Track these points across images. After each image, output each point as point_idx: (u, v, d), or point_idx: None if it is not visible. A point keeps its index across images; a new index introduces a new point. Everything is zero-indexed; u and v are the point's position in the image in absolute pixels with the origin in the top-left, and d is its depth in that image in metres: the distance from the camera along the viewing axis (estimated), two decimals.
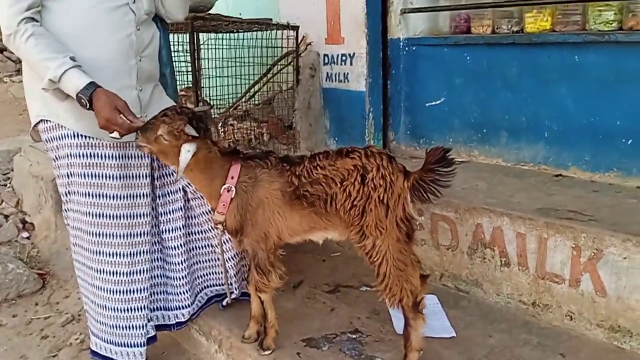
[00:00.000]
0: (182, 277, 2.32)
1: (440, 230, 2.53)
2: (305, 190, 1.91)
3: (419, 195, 1.89)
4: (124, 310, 2.15)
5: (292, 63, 3.37)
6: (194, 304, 2.38)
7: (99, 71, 1.92)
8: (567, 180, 2.72)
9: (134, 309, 2.16)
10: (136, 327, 2.18)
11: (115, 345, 2.18)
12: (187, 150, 1.81)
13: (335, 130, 3.51)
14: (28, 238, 3.73)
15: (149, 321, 2.23)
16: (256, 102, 3.72)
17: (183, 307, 2.35)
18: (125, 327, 2.17)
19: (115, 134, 1.83)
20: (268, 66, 3.46)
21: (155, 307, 2.32)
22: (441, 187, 1.87)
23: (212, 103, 3.16)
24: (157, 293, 2.32)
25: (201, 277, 2.44)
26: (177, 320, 2.36)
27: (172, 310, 2.36)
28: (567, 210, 2.25)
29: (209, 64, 3.17)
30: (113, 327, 2.16)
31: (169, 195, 2.26)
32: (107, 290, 2.13)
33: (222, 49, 3.19)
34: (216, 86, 3.20)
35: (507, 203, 2.39)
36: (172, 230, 2.28)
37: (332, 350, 2.11)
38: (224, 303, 2.44)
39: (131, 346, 2.18)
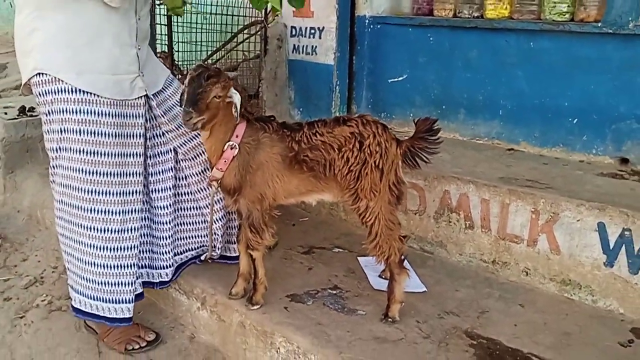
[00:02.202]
0: (167, 237, 2.36)
1: (409, 197, 2.74)
2: (305, 155, 2.02)
3: (409, 162, 2.07)
4: (114, 267, 2.17)
5: (259, 33, 3.42)
6: (173, 265, 2.43)
7: (102, 28, 1.93)
8: (519, 154, 3.03)
9: (124, 266, 2.18)
10: (125, 283, 2.20)
11: (103, 301, 2.19)
12: (235, 92, 1.88)
13: (300, 101, 3.62)
14: None
15: (137, 278, 2.26)
16: None
17: (166, 267, 2.39)
18: (115, 283, 2.19)
19: None
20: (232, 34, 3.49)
21: (141, 264, 2.34)
22: (429, 154, 2.07)
23: (182, 68, 3.16)
24: (144, 251, 2.35)
25: (184, 239, 2.48)
26: (160, 280, 2.41)
27: (156, 269, 2.39)
28: (525, 179, 2.54)
29: (177, 28, 3.16)
30: (101, 283, 2.17)
31: (159, 156, 2.29)
32: (97, 247, 2.13)
33: (192, 14, 3.19)
34: (184, 51, 3.20)
35: (472, 172, 2.64)
36: (162, 190, 2.31)
37: (316, 304, 2.25)
38: (202, 257, 2.50)
39: (119, 302, 2.20)
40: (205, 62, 3.53)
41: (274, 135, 2.05)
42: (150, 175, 2.28)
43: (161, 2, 2.25)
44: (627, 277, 2.17)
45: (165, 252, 2.38)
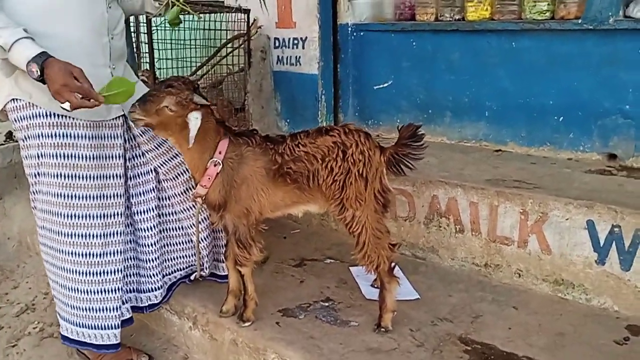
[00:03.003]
0: (154, 260, 2.33)
1: (398, 203, 2.72)
2: (288, 167, 2.00)
3: (393, 169, 2.05)
4: (98, 292, 2.13)
5: (242, 46, 3.41)
6: (163, 287, 2.40)
7: (73, 49, 1.90)
8: (507, 154, 3.02)
9: (108, 291, 2.15)
10: (110, 309, 2.16)
11: (89, 328, 2.16)
12: (196, 117, 1.85)
13: (287, 113, 3.61)
14: None
15: (123, 303, 2.22)
16: (203, 85, 3.72)
17: (155, 289, 2.36)
18: (99, 309, 2.15)
19: (67, 105, 1.75)
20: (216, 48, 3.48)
21: (128, 289, 2.31)
22: (414, 160, 2.05)
23: None
24: (130, 275, 2.31)
25: (171, 259, 2.45)
26: (149, 303, 2.37)
27: (144, 292, 2.36)
28: (513, 180, 2.53)
29: (161, 45, 3.15)
30: (86, 309, 2.14)
31: (140, 177, 2.26)
32: (79, 273, 2.10)
33: (174, 30, 3.17)
34: (168, 68, 3.19)
35: (460, 176, 2.62)
36: (145, 211, 2.28)
37: (308, 318, 2.23)
38: (192, 277, 2.47)
39: (105, 328, 2.17)
40: (193, 77, 3.52)
41: (257, 149, 2.04)
42: (132, 197, 2.25)
43: (159, 15, 2.24)
44: (620, 274, 2.16)
45: (153, 275, 2.35)
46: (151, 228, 2.30)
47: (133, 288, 2.34)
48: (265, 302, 2.31)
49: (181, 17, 2.11)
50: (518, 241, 2.38)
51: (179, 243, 2.45)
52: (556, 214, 2.26)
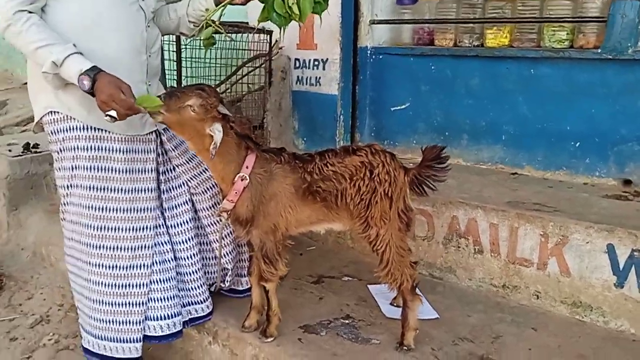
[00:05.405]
0: (195, 272, 2.32)
1: (417, 223, 2.75)
2: (317, 186, 2.04)
3: (416, 189, 2.09)
4: (122, 304, 2.14)
5: (264, 65, 3.48)
6: (209, 299, 2.38)
7: (113, 66, 1.93)
8: (523, 177, 3.06)
9: (132, 304, 2.15)
10: (133, 322, 2.16)
11: (111, 341, 2.16)
12: (219, 130, 1.88)
13: (304, 131, 3.67)
14: None
15: (146, 319, 2.20)
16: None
17: (200, 302, 2.35)
18: (123, 322, 2.15)
19: (113, 113, 1.78)
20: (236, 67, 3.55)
21: (183, 303, 2.29)
22: (437, 181, 2.09)
23: None
24: (179, 289, 2.29)
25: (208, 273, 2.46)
26: (197, 315, 2.34)
27: (187, 305, 2.32)
28: (532, 202, 2.57)
29: (186, 64, 3.21)
30: (109, 322, 2.15)
31: (173, 190, 2.28)
32: (105, 285, 2.12)
33: (199, 49, 3.23)
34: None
35: (479, 197, 2.66)
36: (179, 224, 2.29)
37: (330, 335, 2.24)
38: (212, 289, 2.46)
39: (127, 342, 2.17)
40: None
41: (287, 167, 2.07)
42: (166, 211, 2.27)
43: (193, 36, 2.29)
44: (638, 298, 2.19)
45: (196, 287, 2.33)
46: (187, 241, 2.30)
47: (182, 302, 2.30)
48: (286, 318, 2.31)
49: (215, 37, 2.16)
50: (538, 263, 2.41)
51: (205, 258, 2.45)
52: (577, 237, 2.30)
